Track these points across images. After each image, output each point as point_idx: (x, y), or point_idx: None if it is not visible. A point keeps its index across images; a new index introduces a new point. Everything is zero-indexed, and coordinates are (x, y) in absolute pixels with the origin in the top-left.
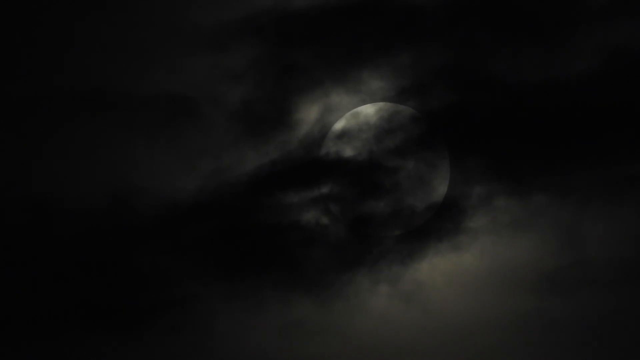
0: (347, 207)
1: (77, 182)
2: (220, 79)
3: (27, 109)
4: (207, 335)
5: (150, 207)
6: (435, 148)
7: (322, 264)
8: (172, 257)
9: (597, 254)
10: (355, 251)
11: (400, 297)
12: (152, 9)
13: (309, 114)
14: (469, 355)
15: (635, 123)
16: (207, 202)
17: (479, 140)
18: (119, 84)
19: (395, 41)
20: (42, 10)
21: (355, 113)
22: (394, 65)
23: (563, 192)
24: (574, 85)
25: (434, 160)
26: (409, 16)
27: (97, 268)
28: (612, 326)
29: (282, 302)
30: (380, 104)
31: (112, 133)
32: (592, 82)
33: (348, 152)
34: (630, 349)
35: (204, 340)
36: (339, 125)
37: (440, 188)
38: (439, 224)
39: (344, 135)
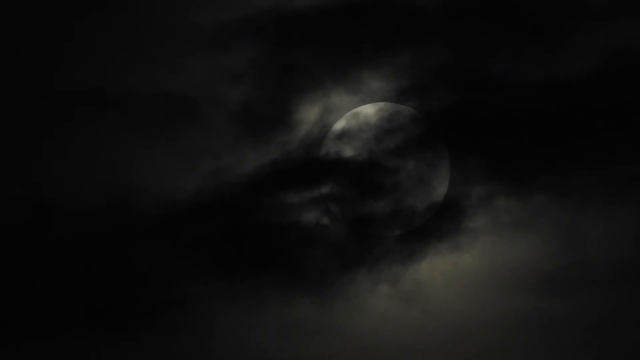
0: (347, 207)
1: (77, 182)
2: (220, 79)
3: (27, 109)
4: (207, 335)
5: (150, 207)
6: (435, 148)
7: (322, 264)
8: (172, 257)
9: (597, 254)
10: (355, 251)
11: (400, 297)
12: (152, 9)
13: (309, 114)
14: (469, 355)
15: (635, 123)
16: (207, 202)
17: (479, 140)
18: (119, 84)
19: (395, 41)
20: (42, 10)
21: (356, 113)
22: (394, 65)
23: (563, 192)
24: (574, 85)
25: (434, 160)
26: (409, 16)
27: (97, 268)
28: (612, 326)
29: (282, 302)
30: (381, 104)
31: (112, 133)
32: (592, 82)
33: (348, 152)
34: (630, 349)
35: (204, 341)
36: (339, 125)
37: (440, 188)
38: (439, 224)
39: (344, 135)
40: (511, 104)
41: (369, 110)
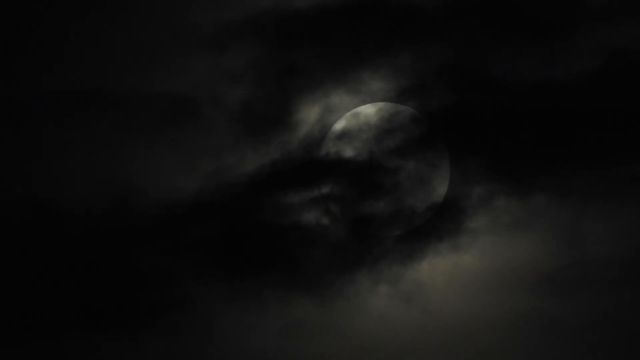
0: (347, 208)
1: (77, 182)
2: (220, 79)
3: (27, 109)
4: (207, 335)
5: (151, 207)
6: (435, 148)
7: (322, 264)
8: (172, 257)
9: (597, 254)
10: (355, 251)
11: (400, 297)
12: (152, 9)
13: (309, 114)
14: (469, 355)
15: (635, 123)
16: (207, 202)
17: (479, 140)
18: (119, 84)
19: (395, 41)
20: (42, 10)
21: (356, 113)
22: (394, 65)
23: (563, 192)
24: (574, 85)
25: (434, 161)
26: (409, 16)
27: (97, 268)
28: (612, 326)
29: (282, 302)
30: (381, 104)
31: (112, 133)
32: (592, 82)
33: (348, 152)
34: (630, 349)
35: (203, 341)
36: (339, 125)
37: (440, 188)
38: (439, 224)
39: (344, 135)
40: (511, 104)
41: (369, 111)
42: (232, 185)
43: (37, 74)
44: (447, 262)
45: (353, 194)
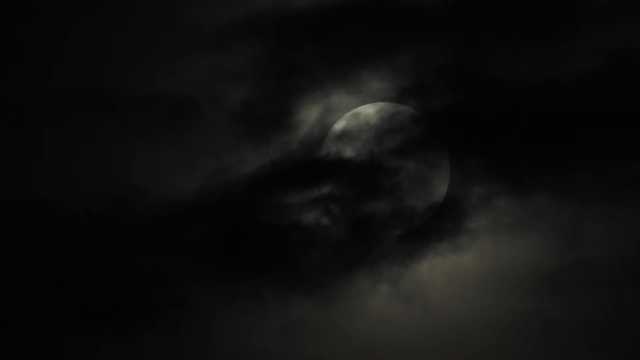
0: (347, 208)
1: (77, 182)
2: (220, 79)
3: (27, 109)
4: (207, 335)
5: (151, 207)
6: (435, 148)
7: (322, 264)
8: (172, 257)
9: (597, 254)
10: (355, 251)
11: (400, 297)
12: (152, 9)
13: (309, 114)
14: (469, 355)
15: (635, 123)
16: (207, 202)
17: (479, 140)
18: (119, 84)
19: (395, 41)
20: (42, 10)
21: (356, 113)
22: (394, 66)
23: (563, 192)
24: (574, 85)
25: (434, 161)
26: (409, 16)
27: (97, 268)
28: (612, 326)
29: (282, 302)
30: (381, 105)
31: (112, 133)
32: (592, 82)
33: (348, 152)
34: (630, 349)
35: (203, 341)
36: (339, 125)
37: (441, 188)
38: (439, 224)
39: (344, 135)
40: (511, 104)
41: (369, 111)
42: (232, 185)
43: (37, 74)
44: (447, 262)
45: (353, 194)
